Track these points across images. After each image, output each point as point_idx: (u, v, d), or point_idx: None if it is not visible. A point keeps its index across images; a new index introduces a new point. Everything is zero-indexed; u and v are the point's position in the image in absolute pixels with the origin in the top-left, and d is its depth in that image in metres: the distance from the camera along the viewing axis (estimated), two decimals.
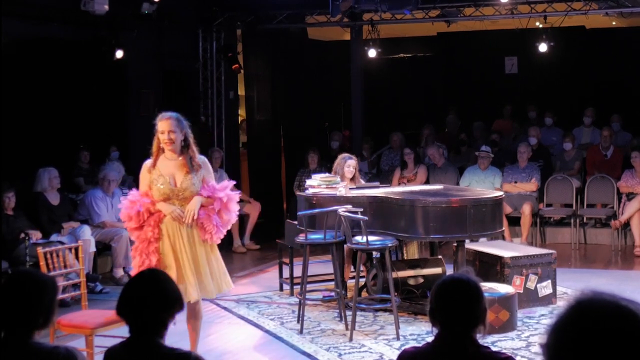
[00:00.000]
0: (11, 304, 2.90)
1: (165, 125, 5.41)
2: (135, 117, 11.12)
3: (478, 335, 2.85)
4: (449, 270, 7.38)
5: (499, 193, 7.33)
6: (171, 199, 5.42)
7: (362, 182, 8.30)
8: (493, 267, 7.40)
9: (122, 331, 3.34)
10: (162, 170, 5.45)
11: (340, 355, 6.11)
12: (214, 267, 5.55)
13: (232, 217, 5.63)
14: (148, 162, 5.52)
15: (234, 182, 5.79)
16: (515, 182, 10.64)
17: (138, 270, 5.32)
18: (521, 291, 7.20)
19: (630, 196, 10.19)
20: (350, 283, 7.65)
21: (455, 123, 13.62)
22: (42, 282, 3.01)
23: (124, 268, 8.86)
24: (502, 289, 6.81)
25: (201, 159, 5.55)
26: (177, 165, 5.45)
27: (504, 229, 8.66)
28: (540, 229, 10.80)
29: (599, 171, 10.91)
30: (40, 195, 8.67)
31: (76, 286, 6.23)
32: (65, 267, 5.83)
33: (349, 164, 8.03)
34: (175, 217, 5.37)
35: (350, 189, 7.58)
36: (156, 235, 5.39)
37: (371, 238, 6.64)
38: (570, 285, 7.92)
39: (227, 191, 5.59)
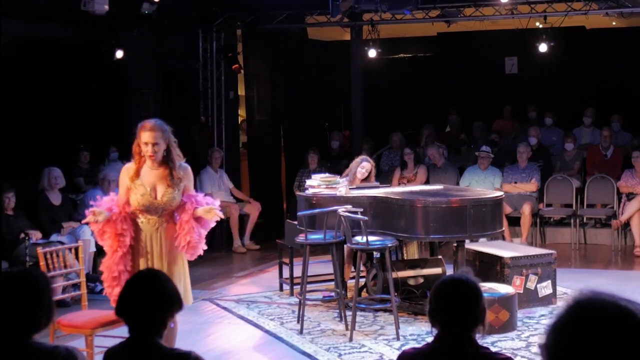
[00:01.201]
0: (9, 304, 2.90)
1: (149, 137, 5.09)
2: (135, 117, 11.08)
3: (477, 336, 2.85)
4: (449, 270, 7.38)
5: (499, 193, 7.33)
6: (149, 211, 5.16)
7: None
8: (493, 267, 7.40)
9: (122, 331, 3.34)
10: (144, 179, 5.16)
11: (340, 355, 6.11)
12: (184, 279, 5.31)
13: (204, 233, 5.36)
14: (129, 167, 5.22)
15: (217, 202, 5.38)
16: (515, 182, 10.64)
17: (109, 283, 5.19)
18: (521, 291, 7.20)
19: (630, 196, 10.19)
20: (350, 283, 7.65)
21: (457, 123, 13.63)
22: (40, 280, 3.00)
23: None
24: (502, 289, 6.81)
25: (183, 167, 5.26)
26: (159, 175, 5.17)
27: (504, 229, 8.66)
28: (540, 229, 10.80)
29: (599, 171, 10.91)
30: (42, 194, 8.68)
31: (76, 286, 6.23)
32: (65, 267, 5.83)
33: (362, 165, 8.06)
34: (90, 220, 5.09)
35: (350, 189, 7.58)
36: (126, 244, 5.13)
37: (371, 238, 6.64)
38: (570, 285, 7.91)
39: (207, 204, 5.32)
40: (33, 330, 2.89)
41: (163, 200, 5.16)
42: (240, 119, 13.92)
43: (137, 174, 5.18)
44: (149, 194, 5.14)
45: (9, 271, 7.45)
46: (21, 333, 2.87)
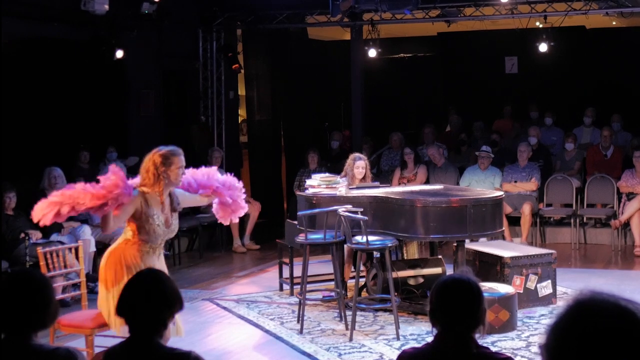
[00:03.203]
0: (10, 304, 2.89)
1: (182, 161, 4.90)
2: (135, 117, 11.13)
3: (477, 335, 2.85)
4: (449, 270, 7.38)
5: (499, 193, 7.33)
6: (157, 240, 4.95)
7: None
8: (493, 267, 7.40)
9: (122, 331, 3.33)
10: (156, 207, 4.93)
11: (340, 355, 6.11)
12: None
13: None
14: (148, 192, 4.90)
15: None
16: (515, 181, 10.64)
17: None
18: (521, 291, 7.20)
19: (630, 196, 10.19)
20: (350, 283, 7.65)
21: (457, 123, 13.63)
22: (42, 281, 3.00)
23: None
24: (502, 289, 6.81)
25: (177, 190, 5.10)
26: (162, 202, 4.95)
27: (504, 229, 8.66)
28: (540, 229, 10.80)
29: (599, 171, 10.91)
30: (42, 194, 8.67)
31: (76, 286, 6.23)
32: (65, 267, 5.83)
33: (357, 164, 8.01)
34: None
35: (350, 188, 7.58)
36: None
37: (371, 238, 6.64)
38: (570, 285, 7.92)
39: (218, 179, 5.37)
40: (34, 331, 2.88)
41: (172, 229, 5.04)
42: (240, 119, 13.92)
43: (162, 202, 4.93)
44: (164, 223, 4.95)
45: (11, 271, 7.47)
46: (22, 333, 2.87)
